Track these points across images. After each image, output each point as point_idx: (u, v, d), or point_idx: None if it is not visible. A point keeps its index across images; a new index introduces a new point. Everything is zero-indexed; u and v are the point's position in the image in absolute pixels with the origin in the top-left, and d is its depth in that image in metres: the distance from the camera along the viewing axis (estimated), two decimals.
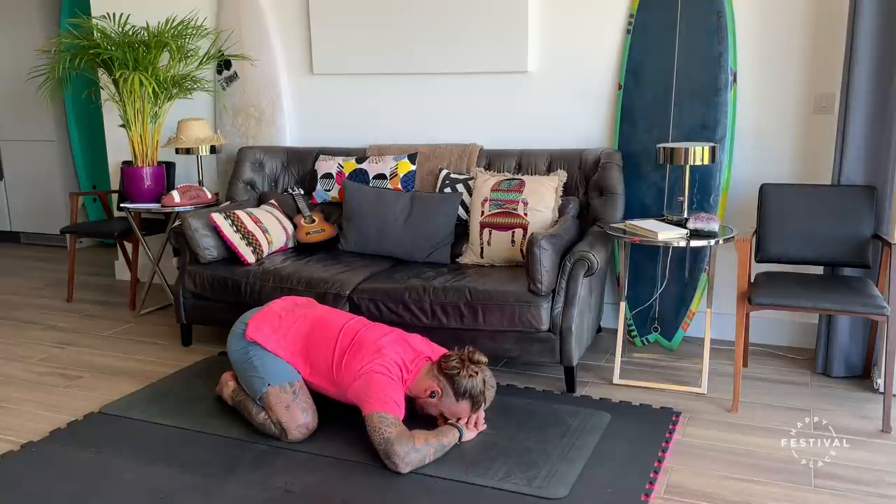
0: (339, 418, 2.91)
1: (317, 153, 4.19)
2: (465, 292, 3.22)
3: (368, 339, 2.79)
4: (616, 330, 3.48)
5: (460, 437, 2.73)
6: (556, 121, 3.93)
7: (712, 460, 2.66)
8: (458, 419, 2.78)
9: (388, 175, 3.91)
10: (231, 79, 4.56)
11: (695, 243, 3.14)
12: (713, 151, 3.26)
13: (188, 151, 4.37)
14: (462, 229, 3.74)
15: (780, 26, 3.49)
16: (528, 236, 3.40)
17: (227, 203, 4.08)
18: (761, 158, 3.60)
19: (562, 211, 3.58)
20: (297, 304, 3.03)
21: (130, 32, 4.34)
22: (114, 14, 4.38)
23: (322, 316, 2.94)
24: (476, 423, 2.83)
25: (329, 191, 4.03)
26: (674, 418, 2.96)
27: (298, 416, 2.75)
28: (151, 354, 3.80)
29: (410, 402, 2.81)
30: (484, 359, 2.79)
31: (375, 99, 4.28)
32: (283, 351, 2.86)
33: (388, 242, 3.73)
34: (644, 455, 2.67)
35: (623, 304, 3.45)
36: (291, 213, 4.01)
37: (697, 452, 2.72)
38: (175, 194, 4.19)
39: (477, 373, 2.74)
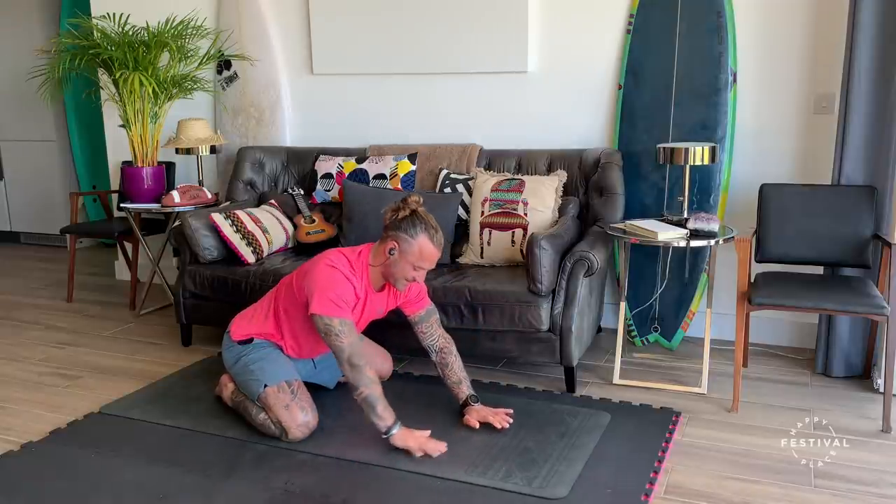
0: (340, 418, 2.91)
1: (317, 153, 4.19)
2: (465, 292, 3.22)
3: (312, 260, 2.80)
4: (616, 330, 3.48)
5: (386, 432, 2.63)
6: (556, 121, 3.93)
7: (712, 460, 2.66)
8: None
9: (388, 175, 3.91)
10: (231, 79, 4.56)
11: (695, 243, 3.14)
12: (713, 151, 3.26)
13: (188, 151, 4.36)
14: (462, 229, 3.74)
15: (780, 26, 3.49)
16: (528, 236, 3.40)
17: (227, 203, 4.08)
18: (761, 158, 3.60)
19: (562, 211, 3.58)
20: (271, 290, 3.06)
21: (130, 32, 4.34)
22: (114, 14, 4.38)
23: (281, 279, 2.97)
24: (495, 418, 2.84)
25: (329, 191, 4.03)
26: (674, 418, 2.96)
27: (298, 416, 2.75)
28: (151, 354, 3.80)
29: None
30: (417, 197, 2.75)
31: (375, 99, 4.28)
32: (260, 327, 2.88)
33: None
34: (644, 455, 2.67)
35: (623, 304, 3.45)
36: (291, 213, 4.00)
37: (697, 452, 2.72)
38: (175, 194, 4.19)
39: (416, 209, 2.71)
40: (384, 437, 2.64)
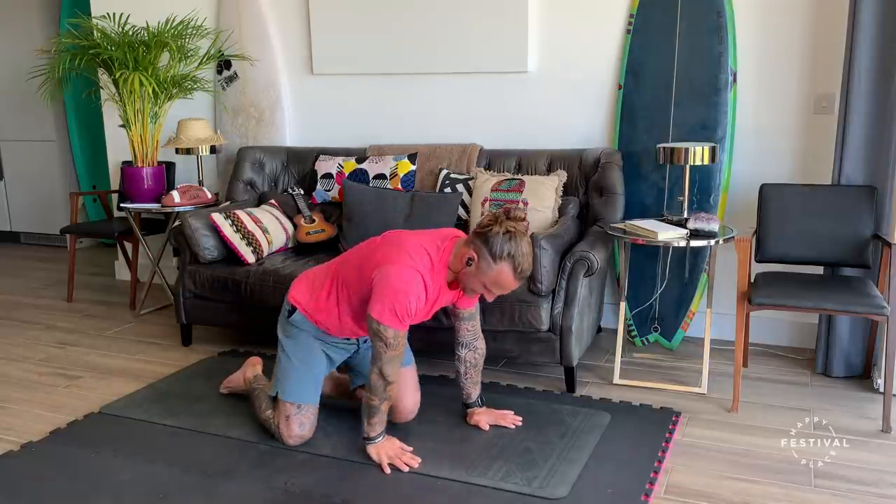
0: (340, 418, 2.91)
1: (317, 153, 4.19)
2: None
3: (390, 247, 2.58)
4: (616, 330, 3.48)
5: (366, 438, 2.63)
6: (556, 121, 3.93)
7: (712, 460, 2.66)
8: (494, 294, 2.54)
9: (388, 175, 3.91)
10: (231, 79, 4.56)
11: (695, 243, 3.14)
12: (713, 151, 3.26)
13: (188, 151, 4.36)
14: (462, 229, 3.73)
15: (780, 26, 3.49)
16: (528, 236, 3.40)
17: (227, 203, 4.08)
18: (761, 158, 3.60)
19: (562, 211, 3.58)
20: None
21: (130, 32, 4.34)
22: (114, 14, 4.38)
23: (350, 249, 2.81)
24: (505, 420, 2.87)
25: (329, 191, 4.03)
26: (674, 418, 2.96)
27: (294, 429, 2.74)
28: (151, 354, 3.80)
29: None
30: (522, 214, 2.48)
31: (375, 99, 4.28)
32: (315, 301, 2.72)
33: None
34: (644, 455, 2.67)
35: (623, 304, 3.45)
36: (291, 213, 4.00)
37: (697, 452, 2.72)
38: (175, 194, 4.19)
39: (514, 230, 2.44)
40: (363, 440, 2.65)
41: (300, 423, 2.75)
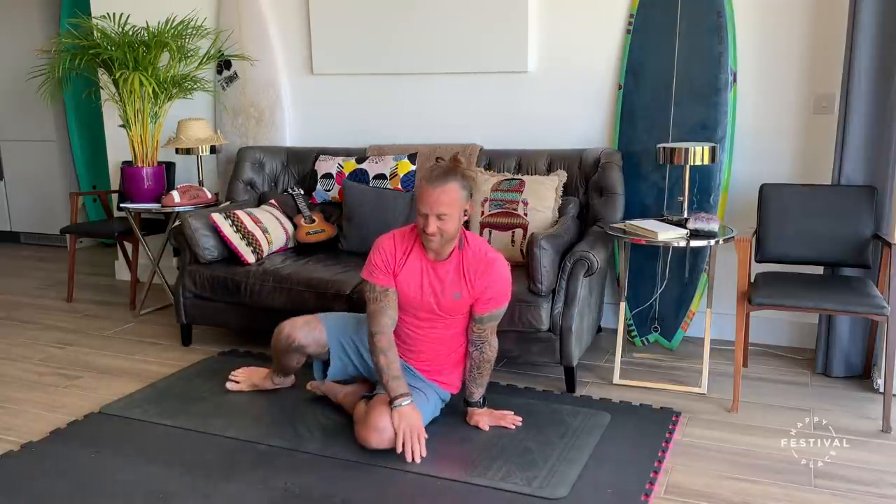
0: (340, 418, 2.91)
1: (317, 153, 4.19)
2: None
3: None
4: (616, 330, 3.48)
5: (390, 402, 2.63)
6: (556, 121, 3.93)
7: (712, 460, 2.66)
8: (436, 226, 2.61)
9: (388, 175, 3.91)
10: (231, 79, 4.56)
11: (695, 243, 3.14)
12: (713, 151, 3.26)
13: (188, 151, 4.36)
14: None
15: (780, 26, 3.49)
16: (528, 236, 3.40)
17: (227, 203, 4.08)
18: (761, 158, 3.60)
19: (562, 211, 3.58)
20: None
21: (130, 32, 4.34)
22: (114, 14, 4.38)
23: None
24: (505, 420, 2.89)
25: (329, 191, 4.03)
26: (674, 418, 2.96)
27: (300, 319, 2.92)
28: (151, 354, 3.80)
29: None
30: (457, 155, 2.75)
31: (375, 99, 4.28)
32: None
33: None
34: (644, 455, 2.67)
35: (623, 304, 3.45)
36: (291, 213, 4.00)
37: (697, 452, 2.72)
38: (175, 194, 4.19)
39: (438, 162, 2.73)
40: (390, 405, 2.64)
41: (307, 321, 2.92)
